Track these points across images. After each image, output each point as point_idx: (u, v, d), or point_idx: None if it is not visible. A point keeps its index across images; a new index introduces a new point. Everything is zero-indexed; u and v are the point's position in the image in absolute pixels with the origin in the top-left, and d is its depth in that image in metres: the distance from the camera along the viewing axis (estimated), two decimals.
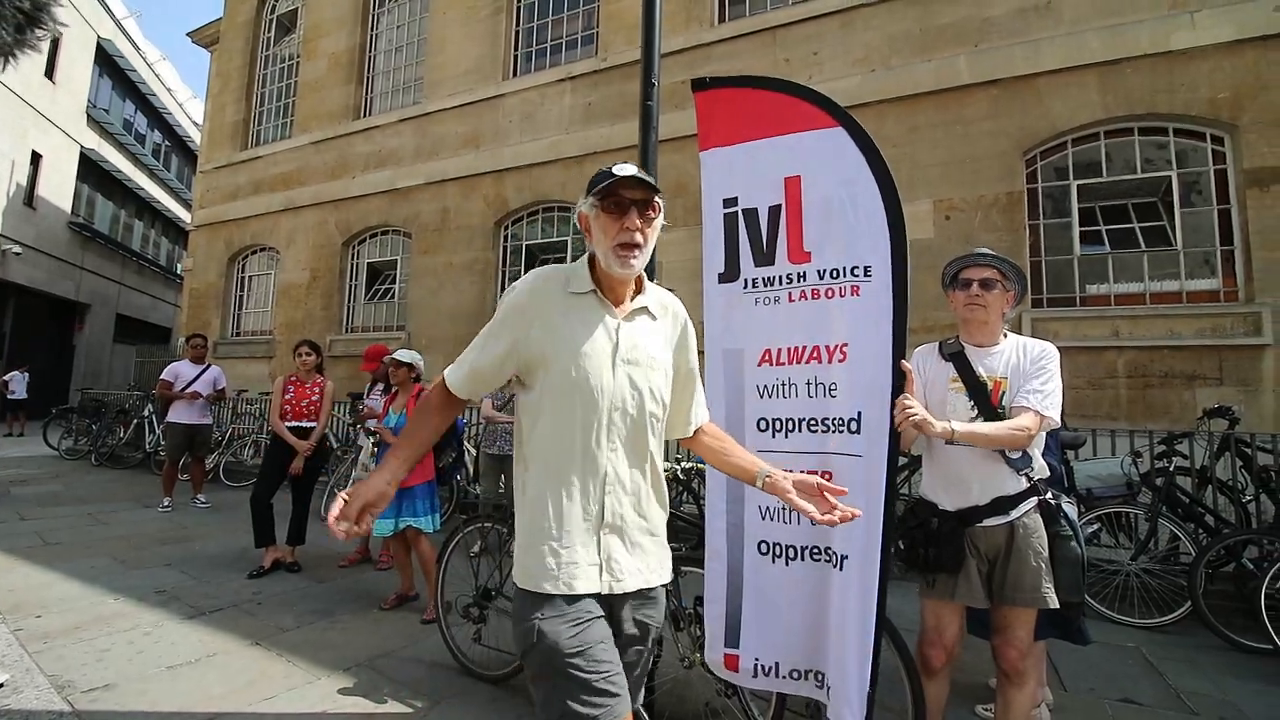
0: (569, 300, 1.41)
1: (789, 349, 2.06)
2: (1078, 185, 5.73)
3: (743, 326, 2.12)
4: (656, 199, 1.41)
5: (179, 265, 21.67)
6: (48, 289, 17.54)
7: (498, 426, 5.04)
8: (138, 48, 21.16)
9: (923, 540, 2.23)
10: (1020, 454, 2.14)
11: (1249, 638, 3.39)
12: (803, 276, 2.06)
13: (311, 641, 3.29)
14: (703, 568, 2.26)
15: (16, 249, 16.04)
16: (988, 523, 2.12)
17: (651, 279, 2.70)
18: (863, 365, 1.92)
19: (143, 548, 4.95)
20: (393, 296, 9.63)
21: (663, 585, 1.47)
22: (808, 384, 2.02)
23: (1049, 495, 2.15)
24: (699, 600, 2.33)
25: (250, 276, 11.51)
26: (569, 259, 8.05)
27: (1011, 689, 2.14)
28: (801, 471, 1.87)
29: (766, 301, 2.11)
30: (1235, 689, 3.03)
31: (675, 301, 1.57)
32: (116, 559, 4.61)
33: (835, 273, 2.00)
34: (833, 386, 1.97)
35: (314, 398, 4.79)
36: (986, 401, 2.17)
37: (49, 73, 16.97)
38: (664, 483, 1.51)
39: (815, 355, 2.02)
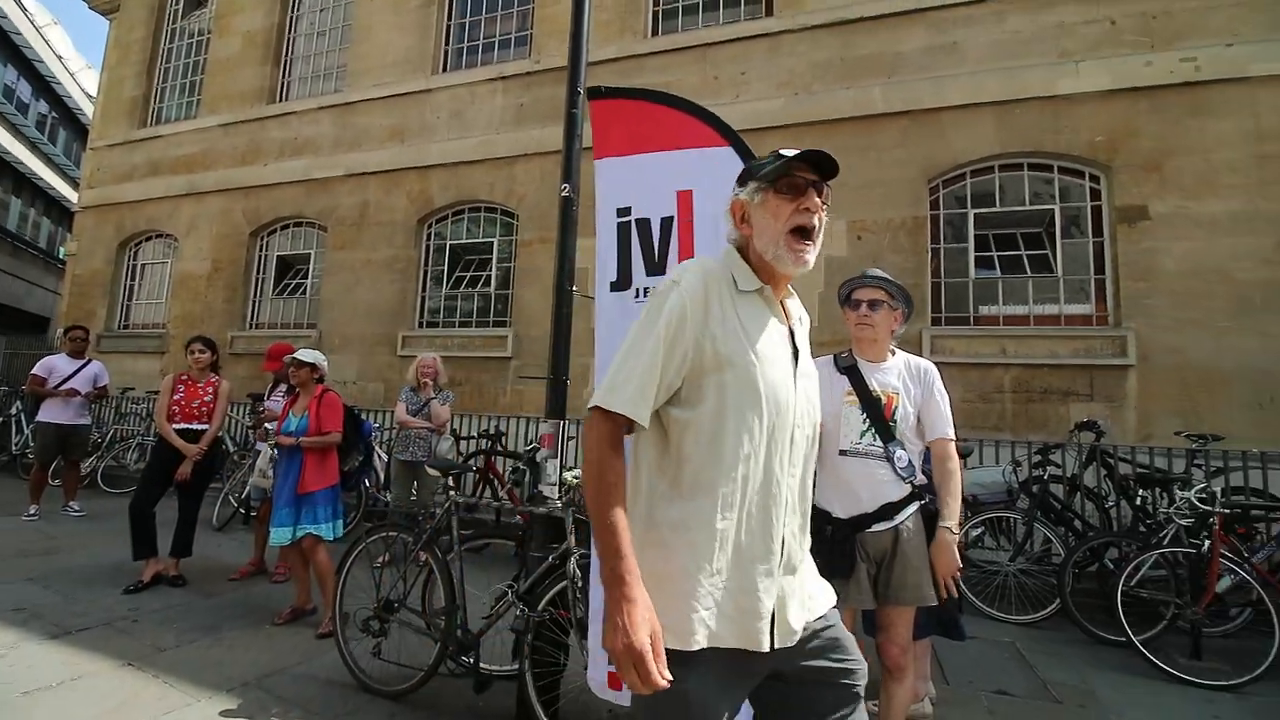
0: (739, 299, 1.24)
1: None
2: (975, 213, 6.19)
3: None
4: (828, 186, 1.25)
5: (61, 249, 19.73)
6: None
7: (411, 432, 4.89)
8: (24, 9, 19.21)
9: (816, 548, 2.34)
10: (907, 464, 2.29)
11: (1108, 631, 3.74)
12: None
13: (193, 660, 3.06)
14: None
15: None
16: (876, 528, 2.25)
17: (571, 286, 2.73)
18: None
19: (1, 560, 4.46)
20: (304, 292, 9.14)
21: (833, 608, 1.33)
22: None
23: (928, 500, 2.31)
24: None
25: (143, 265, 10.62)
26: (494, 261, 7.93)
27: (893, 684, 2.27)
28: None
29: None
30: (1094, 679, 3.35)
31: (804, 308, 1.44)
32: None
33: None
34: None
35: (206, 398, 4.47)
36: (880, 416, 2.30)
37: None
38: None
39: None
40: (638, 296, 2.16)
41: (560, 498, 2.52)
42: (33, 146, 20.74)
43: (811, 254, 1.23)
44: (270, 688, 2.84)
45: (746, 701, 1.25)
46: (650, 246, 2.18)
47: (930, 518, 2.30)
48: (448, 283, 8.17)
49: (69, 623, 3.42)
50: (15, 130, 19.68)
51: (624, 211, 2.20)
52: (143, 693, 2.72)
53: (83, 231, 11.00)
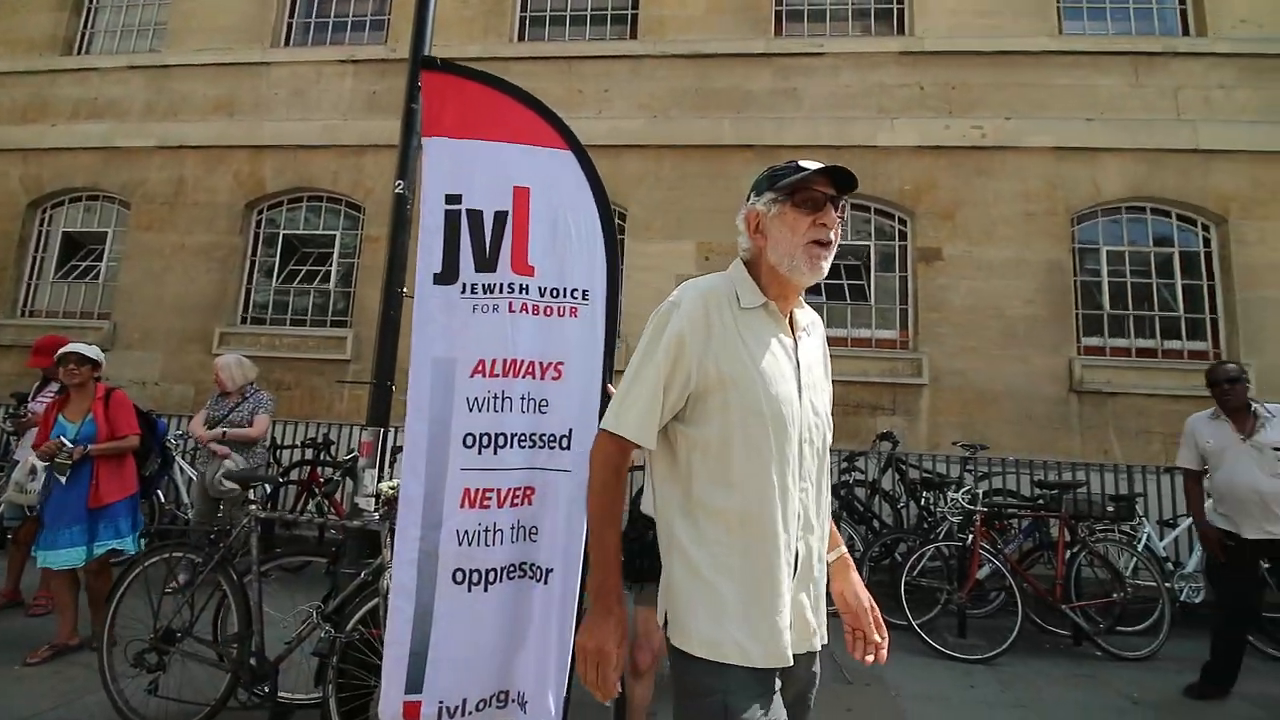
0: (742, 316, 1.25)
1: (506, 361, 1.99)
2: None
3: (457, 333, 1.98)
4: (844, 200, 1.28)
5: None
6: None
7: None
8: None
9: (638, 551, 2.44)
10: None
11: (895, 617, 4.24)
12: (525, 289, 2.04)
13: None
14: None
15: None
16: None
17: (401, 288, 2.61)
18: (576, 385, 2.02)
19: None
20: (97, 276, 7.86)
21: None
22: (523, 399, 1.99)
23: None
24: None
25: None
26: (335, 254, 7.37)
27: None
28: (509, 489, 1.94)
29: (486, 309, 2.00)
30: None
31: (814, 314, 1.43)
32: None
33: (556, 292, 2.06)
34: (543, 403, 2.01)
35: None
36: None
37: None
38: None
39: (531, 370, 2.01)
40: (465, 292, 2.01)
41: (377, 510, 2.39)
42: None
43: (828, 261, 1.25)
44: None
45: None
46: (481, 241, 2.04)
47: None
48: (279, 276, 7.45)
49: None
50: None
51: (454, 199, 2.04)
52: None
53: None
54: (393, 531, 2.36)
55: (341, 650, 2.33)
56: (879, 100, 6.86)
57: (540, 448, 2.00)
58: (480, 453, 1.94)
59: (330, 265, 7.38)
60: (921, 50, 6.84)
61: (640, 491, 2.64)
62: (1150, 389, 6.01)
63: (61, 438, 3.19)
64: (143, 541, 3.44)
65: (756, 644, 1.15)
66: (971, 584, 4.12)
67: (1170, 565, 4.69)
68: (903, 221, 6.77)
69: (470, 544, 1.90)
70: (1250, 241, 6.27)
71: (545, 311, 2.05)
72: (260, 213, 7.67)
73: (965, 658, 3.86)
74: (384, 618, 2.29)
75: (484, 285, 2.02)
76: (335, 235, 7.46)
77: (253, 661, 2.52)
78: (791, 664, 1.19)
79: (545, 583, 1.96)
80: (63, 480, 3.15)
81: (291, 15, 8.13)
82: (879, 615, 1.40)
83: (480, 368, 1.97)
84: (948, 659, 3.86)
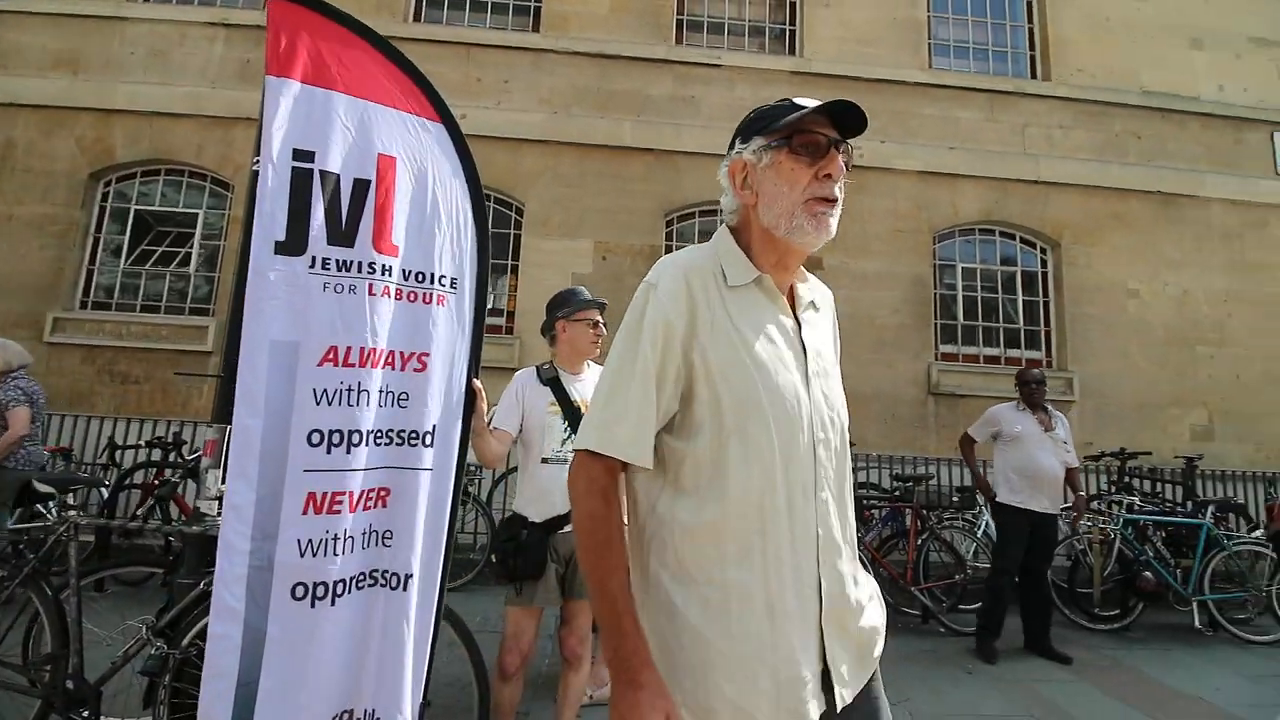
0: (730, 295, 1.03)
1: (365, 349, 1.77)
2: None
3: (303, 314, 1.70)
4: (850, 144, 1.05)
5: None
6: None
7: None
8: None
9: (512, 551, 2.43)
10: None
11: None
12: (388, 270, 1.83)
13: None
14: None
15: None
16: (567, 529, 2.41)
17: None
18: (440, 378, 1.91)
19: None
20: None
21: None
22: (381, 392, 1.80)
23: None
24: None
25: None
26: (198, 234, 6.73)
27: (571, 673, 2.45)
28: (362, 492, 1.78)
29: (340, 289, 1.75)
30: None
31: (823, 286, 1.22)
32: None
33: (421, 276, 1.90)
34: (404, 396, 1.85)
35: None
36: (579, 423, 2.49)
37: None
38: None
39: (391, 360, 1.83)
40: (314, 267, 1.73)
41: (220, 514, 2.21)
42: None
43: (835, 218, 1.03)
44: None
45: None
46: (338, 210, 1.78)
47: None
48: (130, 256, 6.69)
49: None
50: None
51: (304, 156, 1.75)
52: None
53: None
54: None
55: (176, 668, 2.14)
56: None
57: (399, 445, 1.85)
58: (330, 452, 1.71)
59: (191, 247, 6.72)
60: (810, 71, 7.26)
61: (517, 491, 2.64)
62: (995, 392, 6.69)
63: None
64: None
65: (767, 703, 0.93)
66: None
67: None
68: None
69: (314, 554, 1.68)
70: (1080, 265, 7.19)
71: (409, 297, 1.87)
72: (108, 184, 6.86)
73: None
74: None
75: (339, 262, 1.76)
76: (198, 214, 6.81)
77: (69, 684, 2.27)
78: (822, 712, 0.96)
79: (404, 589, 1.83)
80: None
81: None
82: None
83: (331, 355, 1.73)
84: None
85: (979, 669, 3.86)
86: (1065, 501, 4.40)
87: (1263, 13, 7.93)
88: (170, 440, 5.13)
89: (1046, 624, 4.21)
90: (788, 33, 7.60)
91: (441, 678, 2.26)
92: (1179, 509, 5.49)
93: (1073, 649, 4.18)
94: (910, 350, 6.81)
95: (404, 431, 1.86)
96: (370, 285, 1.79)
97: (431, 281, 1.92)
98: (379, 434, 1.81)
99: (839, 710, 0.99)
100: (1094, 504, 5.68)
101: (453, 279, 1.97)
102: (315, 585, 1.69)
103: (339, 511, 1.73)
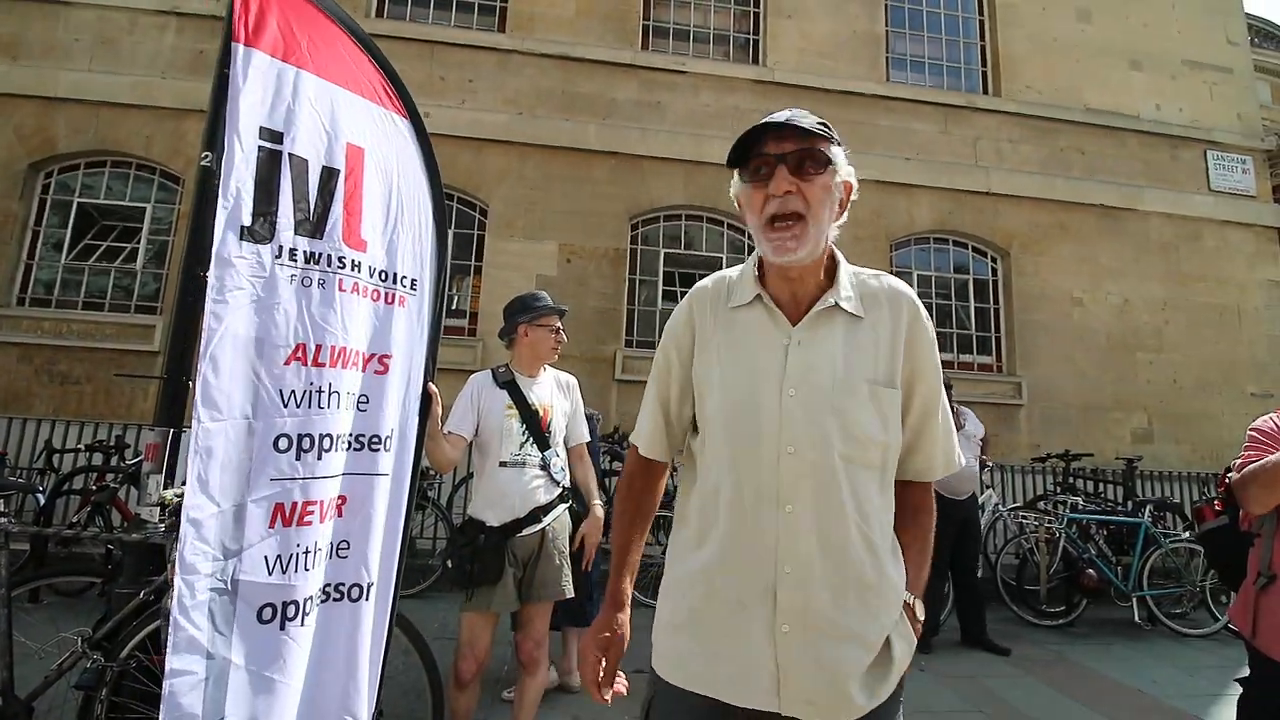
0: (728, 316, 1.14)
1: (334, 348, 1.68)
2: (665, 252, 7.10)
3: (268, 308, 1.60)
4: (821, 146, 1.05)
5: None
6: None
7: None
8: None
9: (469, 557, 2.41)
10: (561, 468, 2.51)
11: None
12: (356, 266, 1.76)
13: None
14: None
15: None
16: (525, 532, 2.41)
17: (204, 271, 2.35)
18: (400, 380, 1.87)
19: None
20: None
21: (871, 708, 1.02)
22: (349, 394, 1.74)
23: (572, 503, 2.59)
24: None
25: None
26: (145, 229, 6.49)
27: (527, 677, 2.44)
28: (331, 500, 1.71)
29: (308, 282, 1.66)
30: None
31: (895, 285, 1.14)
32: None
33: (385, 275, 1.85)
34: (363, 399, 1.79)
35: None
36: (538, 427, 2.48)
37: None
38: (891, 556, 1.07)
39: (356, 361, 1.76)
40: (280, 257, 1.61)
41: (163, 520, 2.14)
42: None
43: (799, 238, 1.04)
44: None
45: None
46: (305, 198, 1.68)
47: (577, 517, 2.59)
48: (71, 251, 6.40)
49: None
50: None
51: (273, 136, 1.63)
52: None
53: None
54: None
55: (114, 681, 2.06)
56: (734, 122, 7.29)
57: (358, 450, 1.78)
58: (300, 458, 1.60)
59: (139, 242, 6.47)
60: (772, 80, 7.39)
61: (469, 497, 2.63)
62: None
63: None
64: None
65: (706, 671, 1.04)
66: None
67: None
68: (751, 237, 7.23)
69: (284, 571, 1.57)
70: (1028, 273, 7.47)
71: (374, 296, 1.81)
72: (49, 175, 6.55)
73: None
74: (166, 643, 2.05)
75: (307, 254, 1.66)
76: (146, 208, 6.55)
77: None
78: (747, 706, 1.01)
79: (367, 598, 1.77)
80: None
81: None
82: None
83: (299, 354, 1.62)
84: None
85: (929, 666, 3.97)
86: (979, 493, 4.70)
87: (1196, 38, 8.39)
88: (112, 444, 4.93)
89: (981, 616, 4.35)
90: (751, 42, 7.73)
91: (396, 686, 2.23)
92: (1119, 508, 5.74)
93: (1019, 644, 4.34)
94: None
95: (363, 436, 1.79)
96: (340, 281, 1.72)
97: (395, 281, 1.88)
98: (344, 439, 1.73)
99: None
100: (1040, 504, 5.92)
101: (413, 280, 1.94)
102: (285, 605, 1.57)
103: (310, 523, 1.63)
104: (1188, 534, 5.22)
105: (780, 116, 1.06)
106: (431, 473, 4.84)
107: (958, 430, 4.35)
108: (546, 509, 2.45)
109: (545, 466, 2.47)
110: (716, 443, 1.09)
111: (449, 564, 2.51)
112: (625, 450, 1.48)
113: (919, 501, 1.15)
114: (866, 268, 1.19)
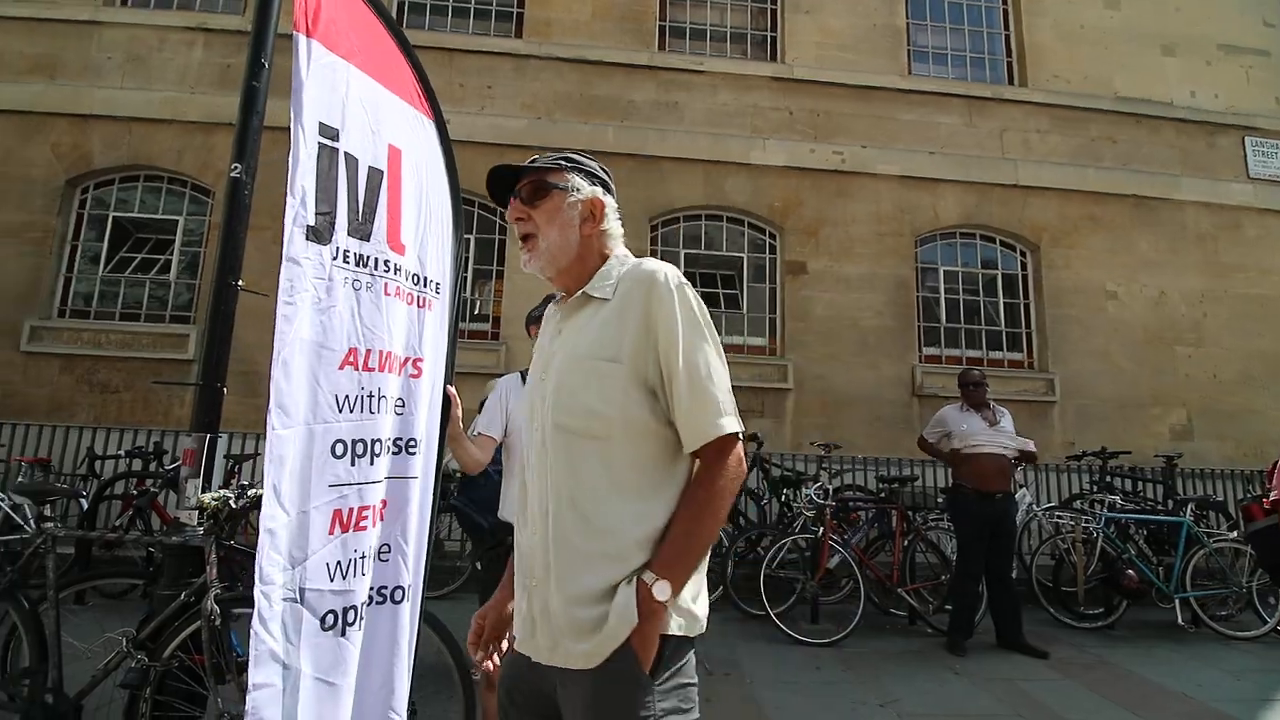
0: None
1: (382, 353, 1.68)
2: (685, 253, 7.08)
3: (327, 312, 1.58)
4: (549, 178, 1.25)
5: None
6: None
7: None
8: None
9: (498, 559, 2.42)
10: None
11: (755, 608, 4.51)
12: (398, 270, 1.75)
13: None
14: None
15: None
16: None
17: (236, 281, 2.41)
18: (429, 383, 1.89)
19: None
20: None
21: (588, 669, 1.05)
22: (393, 399, 1.75)
23: None
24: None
25: None
26: (178, 241, 6.67)
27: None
28: (380, 505, 1.71)
29: (359, 285, 1.64)
30: (741, 649, 4.01)
31: (647, 267, 1.18)
32: None
33: (417, 278, 1.86)
34: (399, 403, 1.79)
35: None
36: None
37: None
38: (610, 523, 1.09)
39: (396, 365, 1.77)
40: (337, 259, 1.59)
41: (200, 524, 2.19)
42: None
43: (528, 252, 1.25)
44: None
45: None
46: (356, 198, 1.65)
47: None
48: (108, 264, 6.60)
49: None
50: None
51: (330, 133, 1.59)
52: None
53: None
54: (220, 547, 2.19)
55: (158, 680, 2.11)
56: (753, 120, 7.26)
57: (398, 454, 1.79)
58: (354, 463, 1.60)
59: (171, 254, 6.64)
60: (791, 77, 7.33)
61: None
62: None
63: None
64: None
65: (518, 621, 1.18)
66: (822, 573, 4.46)
67: None
68: (773, 236, 7.20)
69: (344, 577, 1.56)
70: (1058, 267, 7.30)
71: (409, 299, 1.81)
72: (86, 192, 6.76)
73: (815, 642, 4.17)
74: (207, 644, 2.10)
75: (358, 256, 1.64)
76: (178, 221, 6.73)
77: (49, 699, 2.22)
78: (530, 656, 1.12)
79: (408, 600, 1.79)
80: None
81: None
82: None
83: (351, 358, 1.61)
84: (800, 644, 4.15)
85: (965, 669, 3.89)
86: (1011, 489, 4.58)
87: (1231, 20, 8.12)
88: (151, 450, 5.06)
89: (1018, 618, 4.25)
90: (769, 39, 7.67)
91: (428, 685, 2.25)
92: (1160, 507, 5.57)
93: (1058, 647, 4.24)
94: (894, 353, 6.87)
95: (400, 439, 1.80)
96: (386, 285, 1.72)
97: (424, 285, 1.90)
98: (379, 443, 1.72)
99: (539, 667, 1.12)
100: (1076, 503, 5.77)
101: (438, 283, 1.96)
102: (345, 610, 1.58)
103: (365, 528, 1.64)
104: (1234, 533, 5.05)
105: (510, 166, 1.27)
106: (457, 474, 4.88)
107: (992, 427, 4.35)
108: None
109: None
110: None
111: (479, 565, 2.53)
112: None
113: (697, 474, 1.15)
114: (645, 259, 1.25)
